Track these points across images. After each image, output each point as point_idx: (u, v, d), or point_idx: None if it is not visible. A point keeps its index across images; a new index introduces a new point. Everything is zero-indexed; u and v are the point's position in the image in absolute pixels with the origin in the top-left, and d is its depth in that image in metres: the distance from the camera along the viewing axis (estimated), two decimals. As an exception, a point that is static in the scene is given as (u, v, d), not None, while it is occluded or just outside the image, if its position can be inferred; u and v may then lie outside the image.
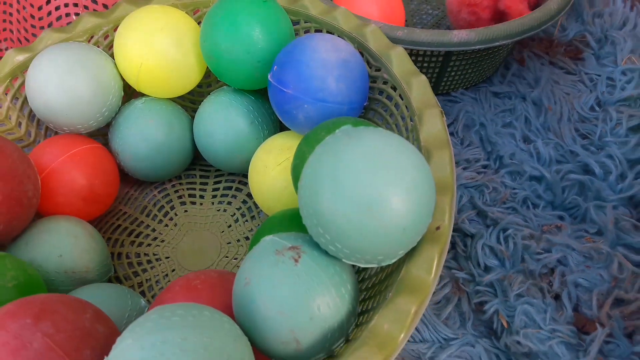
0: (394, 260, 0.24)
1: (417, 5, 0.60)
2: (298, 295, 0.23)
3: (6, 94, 0.38)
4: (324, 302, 0.23)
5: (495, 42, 0.41)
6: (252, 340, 0.24)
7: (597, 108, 0.44)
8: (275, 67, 0.32)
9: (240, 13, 0.33)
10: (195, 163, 0.44)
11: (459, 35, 0.40)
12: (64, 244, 0.32)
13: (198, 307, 0.23)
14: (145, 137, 0.38)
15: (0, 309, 0.23)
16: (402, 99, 0.31)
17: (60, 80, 0.35)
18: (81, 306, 0.24)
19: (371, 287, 0.28)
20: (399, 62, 0.32)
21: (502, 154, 0.41)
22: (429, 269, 0.24)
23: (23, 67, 0.38)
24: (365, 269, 0.30)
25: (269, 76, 0.32)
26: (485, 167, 0.41)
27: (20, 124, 0.39)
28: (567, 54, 0.51)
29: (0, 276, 0.28)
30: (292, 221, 0.31)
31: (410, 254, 0.24)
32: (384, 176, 0.22)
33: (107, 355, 0.22)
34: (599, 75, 0.46)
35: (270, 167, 0.34)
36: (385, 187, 0.22)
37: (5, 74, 0.37)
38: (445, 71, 0.45)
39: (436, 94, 0.48)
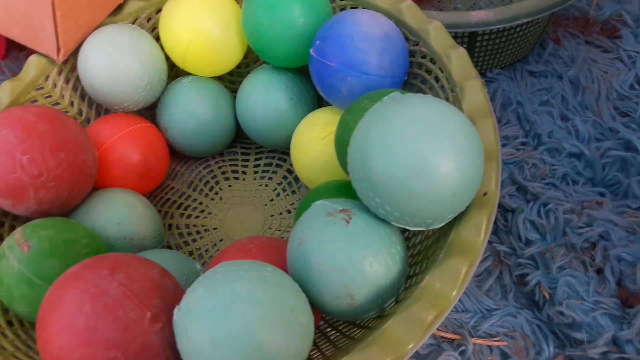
0: (442, 224, 0.25)
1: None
2: (351, 253, 0.24)
3: (59, 75, 0.40)
4: (375, 261, 0.24)
5: (516, 20, 0.40)
6: (308, 297, 0.25)
7: (636, 86, 0.44)
8: (318, 41, 0.33)
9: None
10: (237, 141, 0.45)
11: (477, 16, 0.41)
12: (121, 212, 0.34)
13: (261, 264, 0.24)
14: (193, 114, 0.39)
15: (78, 264, 0.25)
16: (442, 72, 0.32)
17: (108, 58, 0.37)
18: (150, 263, 0.26)
19: (419, 252, 0.29)
20: (437, 36, 0.32)
21: (540, 132, 0.41)
22: (478, 231, 0.24)
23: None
24: (413, 234, 0.31)
25: (311, 50, 0.33)
26: (523, 144, 0.41)
27: (72, 103, 0.41)
28: (603, 32, 0.51)
29: (76, 243, 0.30)
30: (337, 191, 0.32)
31: (459, 218, 0.25)
32: (434, 141, 0.22)
33: (176, 305, 0.24)
34: (638, 53, 0.46)
35: (314, 141, 0.35)
36: (435, 152, 0.22)
37: (59, 56, 0.39)
38: (474, 52, 0.45)
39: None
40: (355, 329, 0.29)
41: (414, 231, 0.31)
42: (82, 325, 0.23)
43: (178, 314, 0.23)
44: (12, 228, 0.35)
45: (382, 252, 0.24)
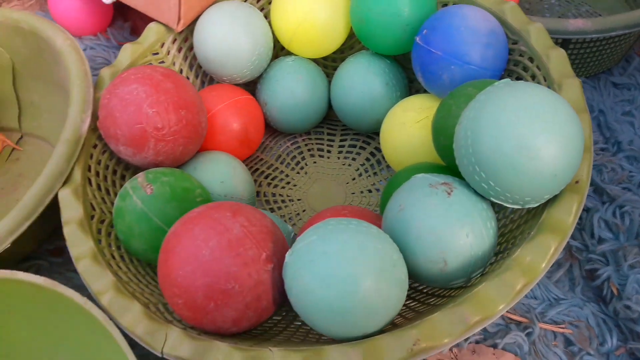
0: (537, 204, 0.27)
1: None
2: (450, 221, 0.26)
3: (173, 43, 0.44)
4: (472, 232, 0.26)
5: (612, 31, 0.42)
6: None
7: None
8: (425, 30, 0.35)
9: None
10: (323, 121, 0.48)
11: (575, 24, 0.42)
12: (225, 172, 0.38)
13: (366, 223, 0.27)
14: (293, 91, 0.43)
15: (202, 206, 0.29)
16: (540, 70, 0.34)
17: (225, 31, 0.40)
18: (263, 213, 0.29)
19: (502, 234, 0.31)
20: (537, 37, 0.34)
21: (620, 139, 0.43)
22: (569, 213, 0.27)
23: (188, 23, 0.44)
24: (503, 215, 0.33)
25: (416, 39, 0.36)
26: (603, 149, 0.43)
27: (181, 70, 0.45)
28: (690, 53, 0.51)
29: (192, 192, 0.33)
30: (429, 171, 0.34)
31: (552, 200, 0.27)
32: (544, 124, 0.25)
33: (285, 251, 0.27)
34: None
35: (409, 124, 0.37)
36: (543, 134, 0.24)
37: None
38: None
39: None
40: (433, 298, 0.32)
41: (500, 215, 0.34)
42: (208, 256, 0.26)
43: (291, 256, 0.26)
44: (124, 177, 0.39)
45: (479, 224, 0.27)
